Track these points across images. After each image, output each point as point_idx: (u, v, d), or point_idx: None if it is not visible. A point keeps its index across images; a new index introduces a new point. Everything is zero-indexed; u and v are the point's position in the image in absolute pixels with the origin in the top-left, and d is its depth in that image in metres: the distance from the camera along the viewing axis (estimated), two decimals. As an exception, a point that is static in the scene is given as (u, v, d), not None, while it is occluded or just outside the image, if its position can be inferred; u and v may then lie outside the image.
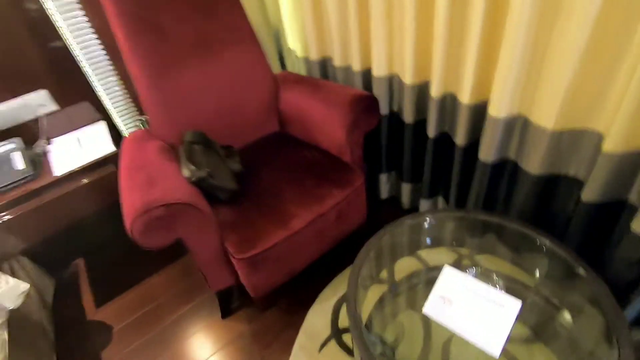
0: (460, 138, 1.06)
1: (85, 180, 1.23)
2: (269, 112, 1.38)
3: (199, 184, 0.99)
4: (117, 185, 1.00)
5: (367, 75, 1.28)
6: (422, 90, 1.13)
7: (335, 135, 1.17)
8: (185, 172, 0.99)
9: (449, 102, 1.08)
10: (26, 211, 1.15)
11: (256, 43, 1.34)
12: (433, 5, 0.93)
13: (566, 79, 0.76)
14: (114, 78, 1.47)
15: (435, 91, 1.05)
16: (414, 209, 1.46)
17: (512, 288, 0.86)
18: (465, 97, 0.97)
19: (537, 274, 0.91)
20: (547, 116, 0.83)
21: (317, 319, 1.16)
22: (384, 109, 1.28)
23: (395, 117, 1.30)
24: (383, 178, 1.49)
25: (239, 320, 1.21)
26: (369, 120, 1.17)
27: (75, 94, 1.44)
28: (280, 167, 1.18)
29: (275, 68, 1.79)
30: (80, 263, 1.54)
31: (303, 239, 1.03)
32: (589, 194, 0.82)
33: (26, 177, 1.20)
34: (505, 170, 1.03)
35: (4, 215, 1.14)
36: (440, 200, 1.34)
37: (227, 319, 1.22)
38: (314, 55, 1.42)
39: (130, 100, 1.55)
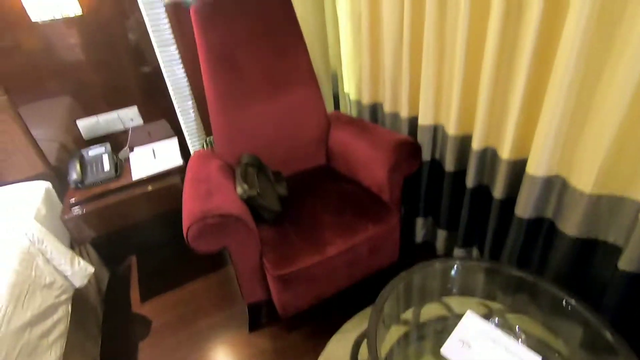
0: (497, 191, 1.09)
1: (152, 187, 1.41)
2: (319, 147, 1.51)
3: (249, 201, 1.11)
4: (179, 194, 1.16)
5: (413, 122, 1.37)
6: (464, 142, 1.19)
7: (377, 174, 1.25)
8: (239, 190, 1.12)
9: (489, 156, 1.12)
10: (104, 206, 1.34)
11: (316, 84, 1.49)
12: (481, 61, 1.02)
13: (606, 144, 0.79)
14: (190, 102, 1.70)
15: (476, 144, 1.10)
16: (447, 256, 1.47)
17: (535, 346, 0.85)
18: (505, 152, 1.02)
19: (567, 340, 0.89)
20: (585, 179, 0.85)
21: (338, 348, 1.19)
22: (426, 156, 1.35)
23: (436, 164, 1.36)
24: (419, 222, 1.53)
25: (264, 336, 1.28)
26: (410, 165, 1.24)
27: (157, 112, 1.68)
28: (322, 197, 1.27)
29: (329, 107, 1.95)
30: (133, 259, 1.72)
31: (335, 265, 1.10)
32: (627, 263, 0.81)
33: (110, 177, 1.41)
34: (542, 228, 1.04)
35: (87, 206, 1.34)
36: (475, 251, 1.34)
37: (253, 334, 1.29)
38: (366, 100, 1.55)
39: (200, 122, 1.76)
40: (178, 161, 1.49)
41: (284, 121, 1.45)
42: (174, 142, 1.63)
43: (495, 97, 1.01)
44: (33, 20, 1.21)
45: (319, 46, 1.84)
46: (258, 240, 1.09)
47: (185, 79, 1.65)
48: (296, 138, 1.47)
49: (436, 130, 1.31)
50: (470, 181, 1.18)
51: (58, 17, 1.22)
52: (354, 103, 1.71)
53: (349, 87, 1.75)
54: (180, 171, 1.47)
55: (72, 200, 1.34)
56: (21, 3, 1.19)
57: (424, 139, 1.32)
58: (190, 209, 1.02)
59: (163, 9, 1.45)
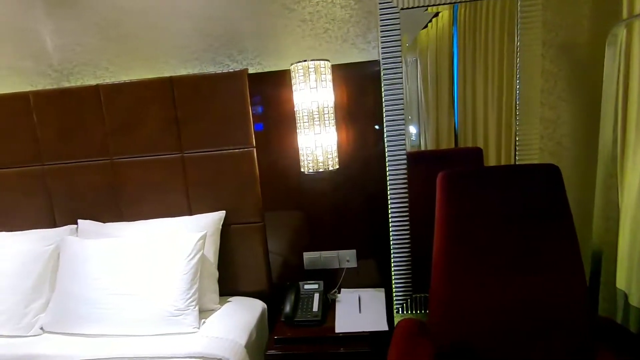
0: None
1: (353, 349, 1.29)
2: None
3: None
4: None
5: None
6: None
7: None
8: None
9: None
10: (304, 353, 1.30)
11: (581, 279, 1.12)
12: None
13: None
14: (407, 257, 1.60)
15: None
16: None
17: None
18: None
19: None
20: None
21: None
22: None
23: None
24: None
25: None
26: None
27: (370, 258, 1.65)
28: None
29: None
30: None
31: None
32: None
33: (316, 319, 1.39)
34: None
35: (289, 349, 1.32)
36: None
37: None
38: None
39: (409, 276, 1.62)
40: (382, 325, 1.34)
41: (528, 310, 1.11)
42: (380, 296, 1.53)
43: None
44: (303, 171, 1.46)
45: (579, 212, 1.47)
46: None
47: (408, 233, 1.59)
48: (542, 336, 1.08)
49: None
50: None
51: (321, 170, 1.41)
52: (636, 311, 1.19)
53: (626, 282, 1.26)
54: (379, 339, 1.31)
55: (278, 336, 1.36)
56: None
57: None
58: None
59: (405, 167, 1.49)
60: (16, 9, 1.61)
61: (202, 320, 1.36)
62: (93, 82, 1.62)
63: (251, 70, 1.57)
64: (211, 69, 1.61)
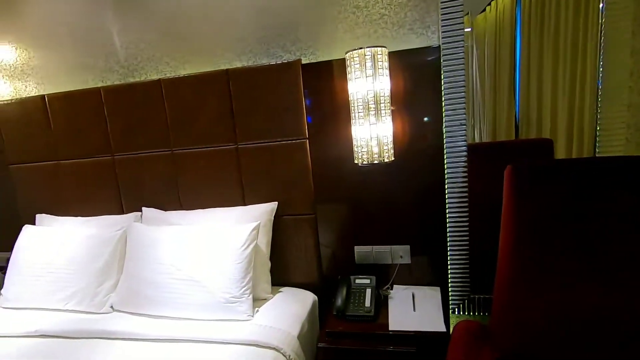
0: None
1: (409, 348, 1.24)
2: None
3: None
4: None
5: None
6: None
7: None
8: None
9: None
10: (356, 349, 1.27)
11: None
12: None
13: None
14: (465, 254, 1.50)
15: None
16: None
17: None
18: None
19: None
20: None
21: None
22: None
23: None
24: None
25: None
26: None
27: (425, 254, 1.58)
28: None
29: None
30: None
31: None
32: None
33: (368, 315, 1.36)
34: None
35: (341, 343, 1.30)
36: None
37: None
38: None
39: (467, 276, 1.53)
40: (439, 326, 1.27)
41: (607, 326, 0.99)
42: (435, 295, 1.46)
43: None
44: (356, 163, 1.42)
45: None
46: None
47: (467, 229, 1.49)
48: None
49: None
50: None
51: (376, 162, 1.36)
52: None
53: None
54: (440, 337, 1.25)
55: (330, 329, 1.35)
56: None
57: None
58: None
59: (465, 160, 1.40)
60: (89, 10, 1.73)
61: (256, 309, 1.38)
62: (155, 77, 1.70)
63: (304, 61, 1.55)
64: (264, 61, 1.61)
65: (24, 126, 1.82)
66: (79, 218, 1.79)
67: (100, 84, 1.81)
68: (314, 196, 1.58)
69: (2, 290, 1.62)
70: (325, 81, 1.54)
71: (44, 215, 1.85)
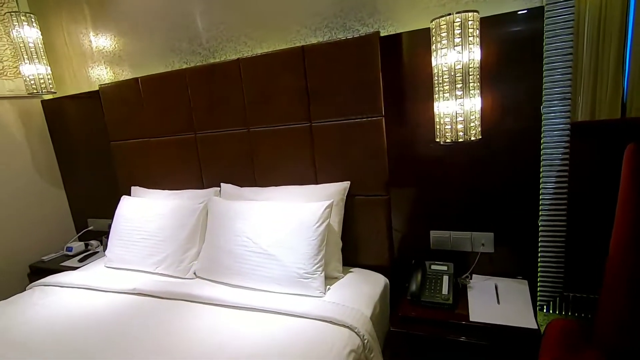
0: None
1: (493, 342, 1.15)
2: None
3: None
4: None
5: None
6: None
7: None
8: None
9: None
10: (434, 338, 1.21)
11: None
12: None
13: None
14: (560, 241, 1.33)
15: None
16: None
17: None
18: None
19: None
20: None
21: None
22: None
23: None
24: None
25: None
26: None
27: (509, 243, 1.44)
28: None
29: None
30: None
31: None
32: None
33: (446, 303, 1.28)
34: None
35: (417, 329, 1.25)
36: None
37: None
38: None
39: (561, 270, 1.36)
40: (530, 322, 1.15)
41: None
42: (522, 289, 1.33)
43: None
44: (438, 141, 1.32)
45: None
46: None
47: (564, 219, 1.32)
48: None
49: None
50: None
51: (461, 140, 1.25)
52: None
53: None
54: (529, 334, 1.13)
55: (403, 314, 1.30)
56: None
57: None
58: None
59: (567, 140, 1.22)
60: (175, -3, 1.83)
61: (327, 287, 1.39)
62: (234, 57, 1.75)
63: (383, 33, 1.47)
64: (341, 36, 1.56)
65: (122, 106, 2.02)
66: (166, 191, 1.95)
67: (184, 66, 1.91)
68: (388, 177, 1.52)
69: (107, 252, 1.84)
70: (404, 54, 1.45)
71: (137, 187, 2.05)
